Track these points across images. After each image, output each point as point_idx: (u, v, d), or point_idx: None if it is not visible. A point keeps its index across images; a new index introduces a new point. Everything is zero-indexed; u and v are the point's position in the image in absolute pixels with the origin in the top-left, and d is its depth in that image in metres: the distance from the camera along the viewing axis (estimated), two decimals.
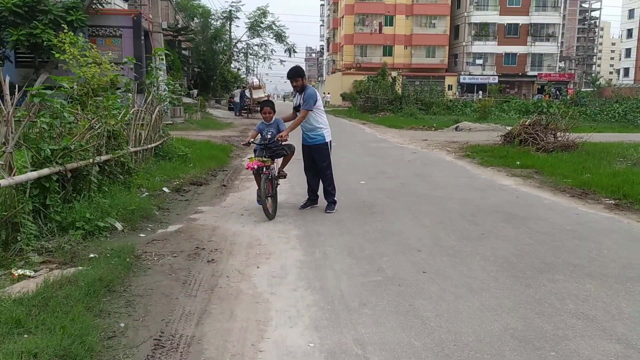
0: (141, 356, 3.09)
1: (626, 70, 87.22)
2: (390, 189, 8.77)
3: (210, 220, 6.47)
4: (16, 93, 5.15)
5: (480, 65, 62.28)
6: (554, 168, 10.44)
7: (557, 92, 55.13)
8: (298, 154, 7.23)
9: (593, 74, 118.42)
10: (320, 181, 7.16)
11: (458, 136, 19.38)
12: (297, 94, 6.97)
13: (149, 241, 5.48)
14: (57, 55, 8.86)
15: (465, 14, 61.05)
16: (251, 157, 6.64)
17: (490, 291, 4.14)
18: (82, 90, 7.63)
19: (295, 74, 6.84)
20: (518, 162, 11.46)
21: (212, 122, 25.51)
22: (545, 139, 13.79)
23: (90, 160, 6.33)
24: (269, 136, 6.77)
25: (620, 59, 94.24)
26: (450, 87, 60.37)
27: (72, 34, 8.94)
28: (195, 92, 34.42)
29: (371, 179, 9.78)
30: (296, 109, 7.04)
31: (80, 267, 4.34)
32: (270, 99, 35.57)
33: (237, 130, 22.11)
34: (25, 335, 3.03)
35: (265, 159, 6.56)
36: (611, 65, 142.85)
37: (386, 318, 3.62)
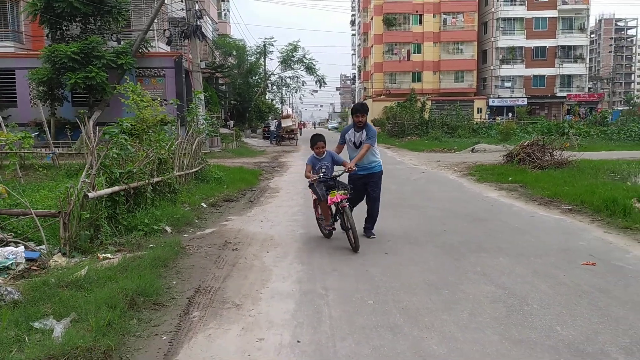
0: (187, 295, 4.94)
1: None
2: (387, 201, 10.42)
3: (237, 225, 8.36)
4: (97, 132, 7.19)
5: (509, 87, 63.23)
6: (539, 183, 11.92)
7: (587, 113, 55.68)
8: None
9: (629, 93, 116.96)
10: (369, 207, 7.34)
11: (471, 157, 20.89)
12: (354, 130, 7.11)
13: (191, 239, 7.39)
14: (123, 100, 11.01)
15: (492, 38, 62.42)
16: (333, 192, 6.55)
17: (428, 263, 5.85)
18: (140, 127, 9.72)
19: (363, 110, 7.03)
20: (510, 178, 13.00)
21: (247, 150, 27.76)
22: (541, 157, 15.23)
23: (147, 181, 8.36)
24: (323, 170, 6.82)
25: None
26: (479, 110, 61.52)
27: (133, 83, 11.08)
28: (231, 123, 36.98)
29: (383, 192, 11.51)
30: (355, 145, 7.14)
31: (144, 252, 6.26)
32: (297, 125, 37.57)
33: (269, 157, 24.19)
34: (116, 283, 4.92)
35: (345, 191, 6.62)
36: None
37: (346, 277, 5.40)
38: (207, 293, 5.02)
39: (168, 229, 7.83)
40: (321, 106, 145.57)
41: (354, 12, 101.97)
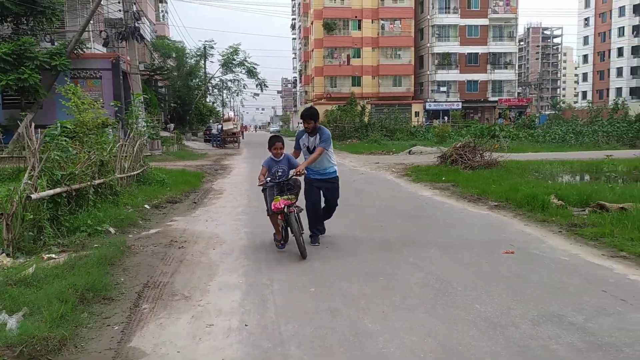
0: (136, 290, 5.12)
1: (584, 94, 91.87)
2: None
3: (182, 225, 8.52)
4: (40, 134, 7.19)
5: (445, 92, 65.61)
6: (469, 182, 12.70)
7: (517, 116, 58.67)
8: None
9: (555, 98, 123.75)
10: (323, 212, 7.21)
11: (408, 159, 21.74)
12: (307, 134, 6.94)
13: (136, 238, 7.50)
14: (64, 102, 10.87)
15: (428, 44, 64.60)
16: (276, 198, 6.28)
17: (365, 256, 6.29)
18: (80, 130, 9.67)
19: (310, 116, 6.81)
20: (443, 178, 13.76)
21: (188, 153, 27.57)
22: (472, 158, 16.14)
23: (89, 182, 8.37)
24: (279, 173, 6.53)
25: (578, 83, 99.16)
26: (417, 114, 63.49)
27: (74, 85, 10.96)
28: (172, 126, 36.47)
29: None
30: (309, 150, 6.96)
31: (90, 251, 6.35)
32: (239, 128, 37.47)
33: (211, 160, 24.17)
34: (65, 280, 5.03)
35: (291, 197, 6.37)
36: (575, 89, 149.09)
37: (290, 269, 5.75)
38: (156, 287, 5.22)
39: (112, 229, 7.89)
40: (263, 109, 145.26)
41: (294, 17, 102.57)
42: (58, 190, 7.39)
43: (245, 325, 4.18)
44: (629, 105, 33.31)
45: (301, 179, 6.76)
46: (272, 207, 6.28)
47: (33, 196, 6.58)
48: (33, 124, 7.20)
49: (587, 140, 27.75)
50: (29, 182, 6.75)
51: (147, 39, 32.06)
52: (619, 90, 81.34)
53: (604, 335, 3.88)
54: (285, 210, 6.21)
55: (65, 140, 8.07)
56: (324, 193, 7.12)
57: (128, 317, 4.43)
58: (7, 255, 6.04)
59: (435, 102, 64.87)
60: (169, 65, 41.66)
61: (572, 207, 9.35)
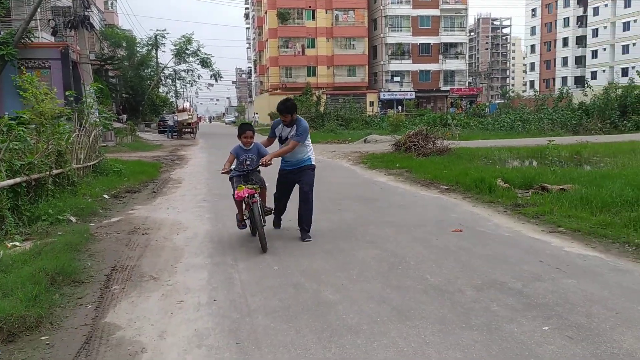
0: (105, 273, 5.29)
1: (532, 83, 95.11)
2: None
3: (143, 213, 8.64)
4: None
5: (398, 82, 66.73)
6: (422, 168, 13.23)
7: (468, 105, 60.39)
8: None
9: (505, 87, 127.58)
10: (300, 208, 6.71)
11: (364, 147, 22.23)
12: (284, 124, 6.60)
13: (98, 227, 7.60)
14: (21, 93, 10.71)
15: (382, 35, 65.43)
16: (240, 186, 6.10)
17: (324, 236, 6.63)
18: (38, 120, 9.59)
19: (286, 109, 6.44)
20: (397, 165, 14.26)
21: (143, 144, 27.22)
22: (425, 145, 16.74)
23: (47, 172, 8.37)
24: (247, 162, 6.33)
25: (526, 73, 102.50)
26: (372, 104, 64.42)
27: (30, 74, 10.80)
28: (124, 117, 35.81)
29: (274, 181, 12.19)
30: (281, 140, 6.68)
31: (54, 239, 6.43)
32: (194, 118, 37.14)
33: (167, 151, 23.98)
34: (33, 265, 5.15)
35: (254, 186, 6.15)
36: (523, 78, 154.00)
37: (253, 250, 6.03)
38: (124, 270, 5.41)
39: (73, 218, 7.94)
40: (217, 100, 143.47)
41: (247, 6, 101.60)
42: (18, 179, 7.41)
43: (214, 300, 4.45)
44: (573, 94, 34.83)
45: (266, 170, 6.36)
46: (235, 196, 6.16)
47: None
48: None
49: (533, 127, 28.96)
50: None
51: (96, 27, 31.31)
52: (564, 80, 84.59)
53: (539, 298, 4.35)
54: (247, 200, 6.06)
55: (22, 130, 8.04)
56: (298, 182, 6.73)
57: (99, 297, 4.62)
58: None
59: (389, 91, 65.90)
60: (119, 55, 40.79)
61: (517, 189, 9.96)
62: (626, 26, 73.99)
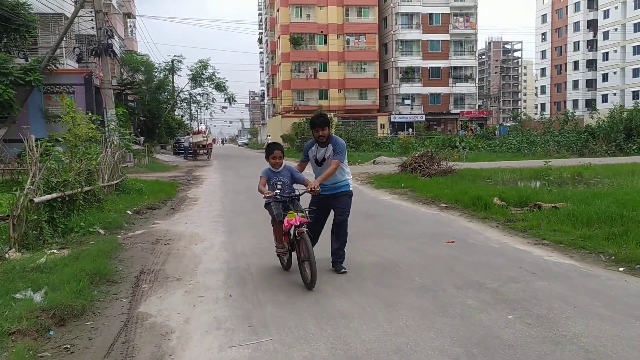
0: (134, 275, 6.05)
1: (543, 106, 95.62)
2: None
3: (164, 227, 9.43)
4: (39, 146, 8.05)
5: (409, 105, 67.63)
6: (425, 187, 13.93)
7: (478, 128, 61.05)
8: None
9: (516, 110, 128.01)
10: (333, 237, 6.23)
11: (372, 168, 22.98)
12: (318, 145, 6.08)
13: (124, 238, 8.40)
14: (61, 116, 11.70)
15: (392, 59, 66.63)
16: (291, 213, 5.47)
17: (328, 245, 7.34)
18: (73, 141, 10.53)
19: (322, 123, 5.96)
20: (402, 185, 14.98)
21: (159, 165, 28.25)
22: (430, 166, 17.45)
23: (79, 189, 9.23)
24: (279, 186, 5.78)
25: (537, 96, 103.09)
26: (382, 126, 65.28)
27: (69, 99, 11.80)
28: (142, 139, 36.97)
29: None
30: (318, 162, 6.13)
31: (87, 247, 7.23)
32: (209, 140, 38.11)
33: (183, 172, 24.92)
34: (73, 267, 5.92)
35: (304, 214, 5.54)
36: (535, 101, 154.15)
37: (265, 257, 6.76)
38: (151, 273, 6.17)
39: (101, 231, 8.75)
40: (230, 122, 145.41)
41: (261, 31, 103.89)
42: (54, 195, 8.25)
43: (230, 295, 5.19)
44: (583, 116, 35.49)
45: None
46: (286, 223, 5.41)
47: (35, 200, 7.44)
48: (33, 137, 8.05)
49: (540, 149, 29.54)
50: (31, 187, 7.61)
51: (117, 54, 32.67)
52: (575, 102, 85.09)
53: (510, 295, 5.02)
54: (300, 228, 5.40)
55: (57, 151, 8.92)
56: (333, 208, 6.20)
57: (132, 293, 5.37)
58: (15, 251, 6.88)
59: (400, 114, 66.78)
60: (137, 80, 42.23)
61: (513, 207, 10.61)
62: (636, 50, 74.60)
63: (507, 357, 3.64)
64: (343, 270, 5.99)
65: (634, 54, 74.66)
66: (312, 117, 6.13)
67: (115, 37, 32.73)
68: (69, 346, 3.98)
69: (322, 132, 5.95)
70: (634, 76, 74.79)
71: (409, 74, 66.93)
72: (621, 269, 5.95)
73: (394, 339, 3.95)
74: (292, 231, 5.63)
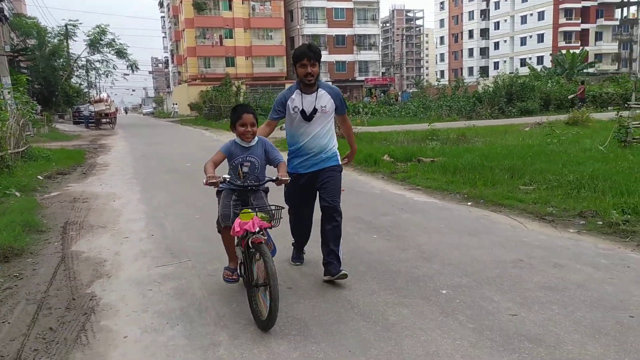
0: (60, 225, 6.78)
1: (442, 73, 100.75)
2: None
3: (79, 189, 9.99)
4: None
5: None
6: None
7: (381, 94, 63.77)
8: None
9: (419, 77, 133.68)
10: (323, 241, 4.55)
11: (280, 133, 23.94)
12: (301, 92, 4.38)
13: (42, 199, 8.92)
14: None
15: (298, 26, 67.34)
16: (246, 212, 3.60)
17: None
18: None
19: (315, 54, 4.30)
20: None
21: (60, 135, 27.54)
22: None
23: None
24: (244, 169, 3.93)
25: (437, 63, 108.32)
26: None
27: None
28: (38, 107, 35.40)
29: (198, 162, 13.74)
30: (306, 116, 4.37)
31: (8, 205, 7.76)
32: (112, 108, 37.14)
33: (87, 140, 24.58)
34: (2, 220, 6.53)
35: (264, 215, 3.67)
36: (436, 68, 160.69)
37: (181, 207, 7.68)
38: (75, 224, 6.92)
39: (17, 193, 9.18)
40: (133, 90, 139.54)
41: None
42: None
43: (152, 235, 6.13)
44: (477, 82, 38.53)
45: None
46: (237, 227, 3.57)
47: None
48: None
49: (434, 113, 32.00)
50: None
51: (8, 18, 30.87)
52: (470, 69, 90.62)
53: (380, 224, 6.38)
54: (257, 235, 3.56)
55: None
56: (319, 190, 4.51)
57: (62, 239, 6.15)
58: None
59: None
60: (30, 45, 39.93)
61: (399, 162, 12.17)
62: (523, 19, 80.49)
63: (367, 259, 4.96)
64: (341, 272, 4.29)
65: (522, 24, 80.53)
66: (299, 47, 4.37)
67: None
68: (17, 274, 4.79)
69: (312, 69, 4.29)
70: (521, 44, 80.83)
71: (315, 42, 67.99)
72: (469, 204, 7.53)
73: (280, 256, 5.13)
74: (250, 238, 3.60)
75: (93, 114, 36.35)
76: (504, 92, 32.12)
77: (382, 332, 3.41)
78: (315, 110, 4.38)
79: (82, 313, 3.89)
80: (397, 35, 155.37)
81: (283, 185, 3.98)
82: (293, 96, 4.42)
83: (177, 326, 3.62)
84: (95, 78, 52.04)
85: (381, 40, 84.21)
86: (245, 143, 3.95)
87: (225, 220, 3.90)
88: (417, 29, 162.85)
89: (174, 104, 65.94)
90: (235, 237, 3.90)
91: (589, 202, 6.79)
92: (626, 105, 15.00)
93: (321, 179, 4.50)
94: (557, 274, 4.39)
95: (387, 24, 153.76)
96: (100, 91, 49.71)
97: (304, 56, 4.27)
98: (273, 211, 3.75)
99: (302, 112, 4.38)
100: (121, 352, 3.28)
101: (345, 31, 68.91)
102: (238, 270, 4.08)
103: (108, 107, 36.68)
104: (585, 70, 53.38)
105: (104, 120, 36.08)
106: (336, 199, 4.51)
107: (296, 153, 4.57)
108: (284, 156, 4.35)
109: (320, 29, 67.62)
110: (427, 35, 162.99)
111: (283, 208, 3.92)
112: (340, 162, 4.72)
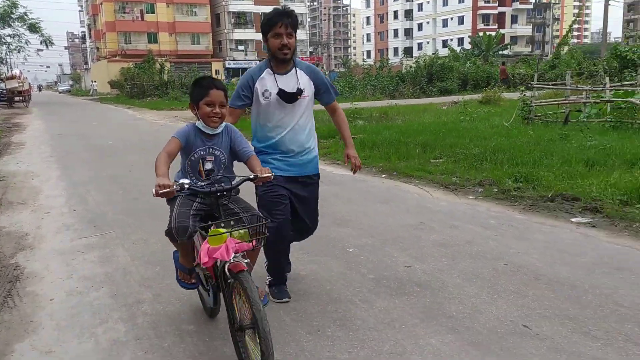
0: None
1: (368, 53, 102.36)
2: (127, 145, 12.72)
3: None
4: None
5: (243, 51, 68.13)
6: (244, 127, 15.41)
7: None
8: None
9: (346, 57, 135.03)
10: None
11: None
12: (272, 70, 3.45)
13: None
14: None
15: (224, 3, 66.03)
16: (213, 232, 2.58)
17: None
18: None
19: (291, 21, 3.37)
20: None
21: None
22: None
23: None
24: (208, 163, 3.01)
25: (363, 43, 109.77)
26: (217, 72, 64.99)
27: None
28: None
29: (120, 140, 13.57)
30: (288, 97, 3.40)
31: None
32: (25, 86, 35.23)
33: None
34: None
35: (244, 234, 2.65)
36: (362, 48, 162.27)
37: (104, 182, 7.72)
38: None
39: None
40: (48, 67, 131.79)
41: None
42: None
43: (74, 210, 6.20)
44: (401, 62, 39.63)
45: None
46: (204, 257, 2.57)
47: None
48: None
49: (359, 93, 32.77)
50: None
51: None
52: (396, 50, 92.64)
53: None
54: (235, 261, 2.58)
55: None
56: (295, 202, 3.62)
57: None
58: None
59: (234, 60, 67.06)
60: None
61: (322, 139, 12.60)
62: (445, 2, 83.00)
63: None
64: (285, 299, 3.55)
65: (444, 6, 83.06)
66: (270, 11, 3.44)
67: None
68: None
69: (289, 40, 3.35)
70: (443, 26, 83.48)
71: (241, 19, 67.03)
72: (384, 176, 8.09)
73: None
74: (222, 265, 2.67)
75: (5, 91, 34.24)
76: (425, 73, 33.40)
77: (294, 284, 3.82)
78: (300, 91, 3.37)
79: (7, 281, 4.02)
80: (325, 14, 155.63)
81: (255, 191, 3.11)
82: (263, 76, 3.41)
83: (102, 289, 3.85)
84: (6, 54, 48.78)
85: (309, 20, 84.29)
86: (209, 130, 2.94)
87: (181, 235, 2.82)
88: (345, 8, 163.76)
89: (92, 82, 62.97)
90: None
91: (488, 172, 7.52)
92: (529, 85, 16.18)
93: (302, 192, 3.59)
94: (451, 233, 4.97)
95: (315, 3, 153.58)
96: (11, 68, 46.67)
97: (277, 21, 3.26)
98: (256, 223, 2.67)
99: (282, 92, 3.33)
100: (48, 312, 3.48)
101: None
102: (202, 280, 3.12)
103: (21, 84, 34.70)
104: (500, 52, 56.15)
105: (17, 98, 34.13)
106: (317, 219, 3.83)
107: (268, 152, 3.46)
108: None
109: (246, 6, 66.66)
110: (354, 15, 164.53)
111: (268, 218, 2.87)
112: (318, 169, 3.80)
